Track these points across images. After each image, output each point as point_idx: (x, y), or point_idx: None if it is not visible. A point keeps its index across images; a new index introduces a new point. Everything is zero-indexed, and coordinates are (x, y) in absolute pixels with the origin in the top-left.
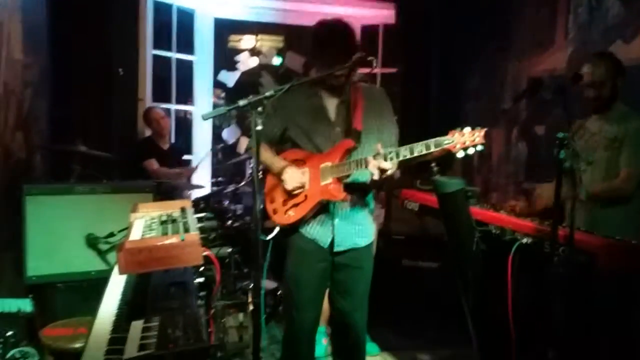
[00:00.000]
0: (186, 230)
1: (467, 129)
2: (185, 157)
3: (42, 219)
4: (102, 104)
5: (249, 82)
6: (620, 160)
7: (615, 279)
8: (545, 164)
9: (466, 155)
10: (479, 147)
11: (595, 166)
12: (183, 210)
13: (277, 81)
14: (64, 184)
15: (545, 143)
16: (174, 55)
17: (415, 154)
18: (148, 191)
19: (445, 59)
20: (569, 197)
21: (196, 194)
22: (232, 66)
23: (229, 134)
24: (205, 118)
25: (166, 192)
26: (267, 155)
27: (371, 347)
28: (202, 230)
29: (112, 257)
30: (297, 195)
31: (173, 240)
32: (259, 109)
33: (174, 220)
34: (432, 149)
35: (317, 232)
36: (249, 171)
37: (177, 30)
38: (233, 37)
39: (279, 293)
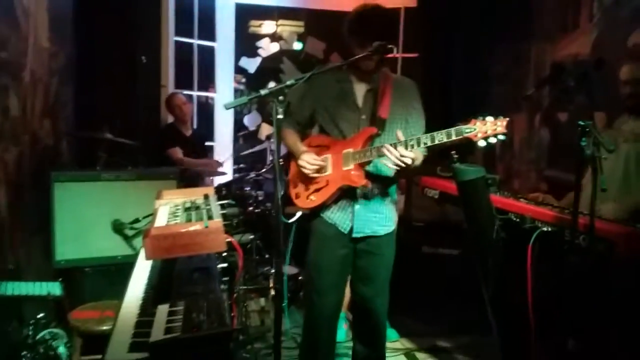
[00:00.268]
0: (209, 217)
1: (490, 118)
2: (208, 143)
3: (69, 205)
4: (126, 91)
5: (270, 68)
6: None
7: (634, 267)
8: (567, 152)
9: (487, 145)
10: (501, 137)
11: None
12: (206, 197)
13: (297, 67)
14: (91, 171)
15: (568, 130)
16: (196, 41)
17: (437, 142)
18: (172, 178)
19: (468, 42)
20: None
21: (218, 179)
22: (252, 52)
23: (250, 121)
24: (227, 107)
25: (190, 178)
26: (291, 140)
27: (391, 332)
28: (224, 217)
29: (137, 242)
30: (319, 180)
31: (197, 227)
32: (280, 97)
33: (197, 207)
34: (453, 138)
35: (338, 217)
36: (269, 158)
37: (198, 16)
38: (253, 23)
39: (299, 278)
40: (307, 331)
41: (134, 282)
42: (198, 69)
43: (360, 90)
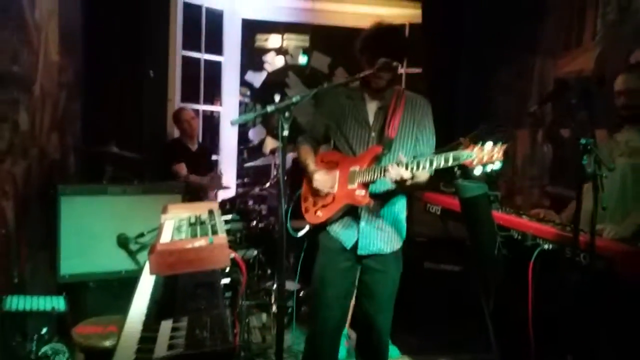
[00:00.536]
0: (214, 232)
1: (489, 145)
2: (213, 157)
3: (75, 219)
4: (133, 105)
5: (275, 82)
6: None
7: (633, 285)
8: (570, 168)
9: (484, 171)
10: (497, 165)
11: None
12: (211, 212)
13: (303, 81)
14: (97, 185)
15: (570, 146)
16: (203, 55)
17: (434, 166)
18: (177, 192)
19: (472, 58)
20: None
21: (222, 194)
22: (258, 66)
23: (255, 134)
24: (234, 123)
25: (194, 192)
26: (304, 157)
27: (392, 350)
28: (229, 232)
29: (142, 256)
30: (326, 196)
31: (202, 242)
32: (287, 114)
33: (202, 223)
34: (450, 163)
35: (343, 233)
36: (274, 172)
37: (205, 31)
38: (260, 37)
39: (301, 294)
40: (309, 344)
41: (138, 297)
42: (204, 83)
43: (372, 107)
